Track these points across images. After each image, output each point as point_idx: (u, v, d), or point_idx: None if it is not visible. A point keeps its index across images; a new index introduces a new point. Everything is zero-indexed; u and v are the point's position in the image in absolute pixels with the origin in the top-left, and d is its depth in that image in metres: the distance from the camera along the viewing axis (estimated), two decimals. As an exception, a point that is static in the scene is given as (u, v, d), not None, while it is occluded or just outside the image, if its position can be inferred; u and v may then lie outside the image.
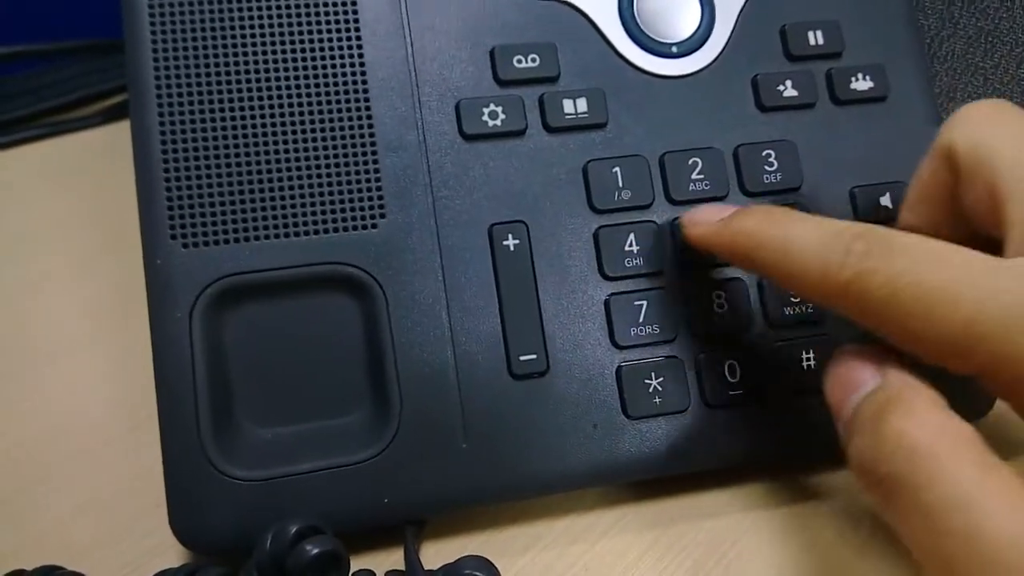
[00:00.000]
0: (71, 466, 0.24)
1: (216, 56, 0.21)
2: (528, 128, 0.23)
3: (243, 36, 0.22)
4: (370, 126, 0.22)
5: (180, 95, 0.21)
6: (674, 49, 0.24)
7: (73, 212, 0.31)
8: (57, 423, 0.25)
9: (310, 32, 0.22)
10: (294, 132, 0.22)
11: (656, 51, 0.24)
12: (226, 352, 0.21)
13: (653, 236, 0.23)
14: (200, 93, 0.21)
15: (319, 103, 0.22)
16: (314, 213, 0.21)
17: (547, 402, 0.22)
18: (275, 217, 0.21)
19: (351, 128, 0.22)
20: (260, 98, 0.21)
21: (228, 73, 0.21)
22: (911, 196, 0.21)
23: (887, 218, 0.24)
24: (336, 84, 0.22)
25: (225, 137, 0.21)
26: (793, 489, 0.23)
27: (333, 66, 0.22)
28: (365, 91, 0.22)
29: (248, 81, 0.21)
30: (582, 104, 0.23)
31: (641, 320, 0.22)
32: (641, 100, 0.24)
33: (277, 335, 0.21)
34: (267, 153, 0.21)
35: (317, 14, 0.22)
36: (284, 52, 0.22)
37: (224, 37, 0.21)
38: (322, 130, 0.22)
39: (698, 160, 0.24)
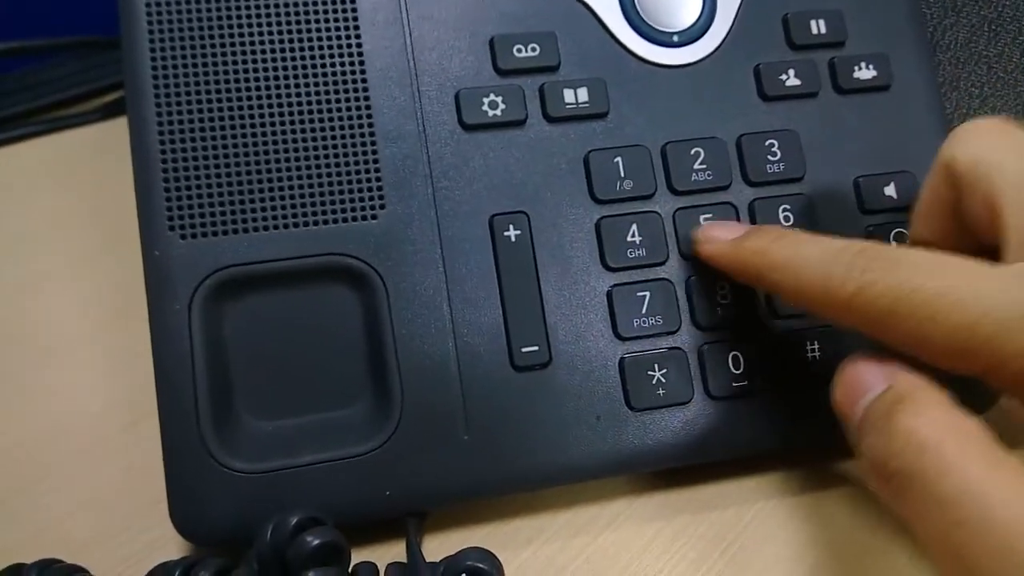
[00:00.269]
0: (71, 464, 0.24)
1: (213, 47, 0.21)
2: (528, 118, 0.23)
3: (240, 27, 0.21)
4: (369, 116, 0.22)
5: (177, 86, 0.21)
6: (675, 38, 0.24)
7: (71, 209, 0.31)
8: (57, 421, 0.25)
9: (308, 23, 0.22)
10: (292, 123, 0.21)
11: (657, 40, 0.24)
12: (225, 344, 0.21)
13: (655, 226, 0.23)
14: (197, 84, 0.21)
15: (317, 94, 0.22)
16: (313, 204, 0.21)
17: (549, 394, 0.22)
18: (274, 208, 0.21)
19: (350, 119, 0.22)
20: (258, 89, 0.21)
21: (225, 64, 0.21)
22: (918, 210, 0.21)
23: (891, 207, 0.24)
24: (335, 75, 0.22)
25: (223, 128, 0.21)
26: (797, 480, 0.23)
27: (331, 56, 0.22)
28: (364, 81, 0.22)
29: (246, 72, 0.21)
30: (583, 94, 0.23)
31: (644, 311, 0.22)
32: (642, 90, 0.24)
33: (277, 327, 0.21)
34: (266, 144, 0.21)
35: (315, 4, 0.22)
36: (282, 43, 0.22)
37: (222, 28, 0.21)
38: (321, 121, 0.22)
39: (700, 150, 0.23)
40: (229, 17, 0.21)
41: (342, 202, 0.21)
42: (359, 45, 0.22)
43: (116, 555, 0.21)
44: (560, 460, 0.21)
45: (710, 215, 0.23)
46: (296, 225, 0.21)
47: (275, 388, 0.21)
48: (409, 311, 0.21)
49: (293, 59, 0.22)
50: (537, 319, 0.22)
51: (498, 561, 0.19)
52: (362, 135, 0.22)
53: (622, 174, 0.23)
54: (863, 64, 0.25)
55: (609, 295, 0.22)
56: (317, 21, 0.22)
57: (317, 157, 0.21)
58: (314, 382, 0.21)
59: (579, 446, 0.21)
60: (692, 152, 0.23)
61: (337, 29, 0.22)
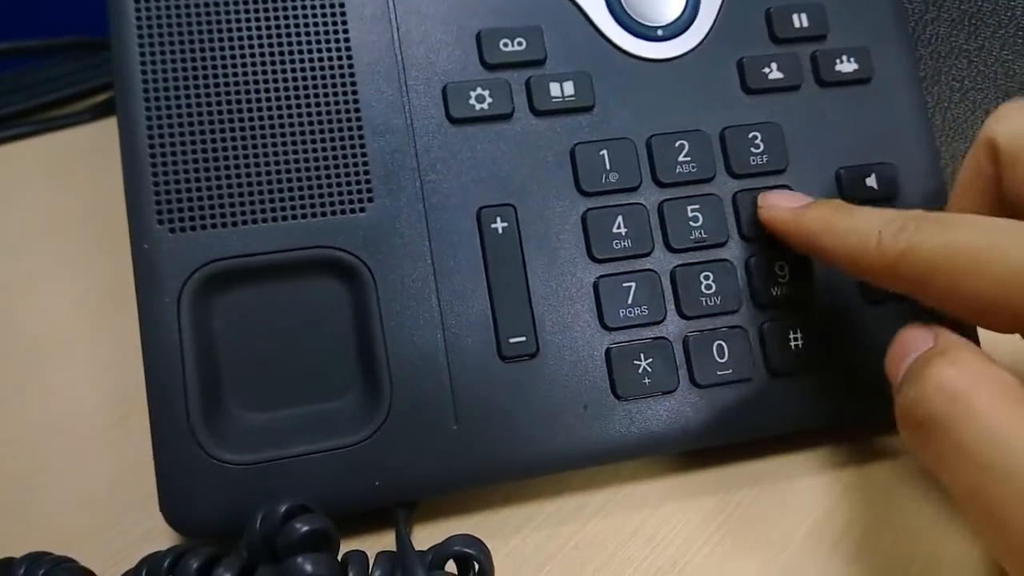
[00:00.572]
0: (63, 459, 0.24)
1: (202, 42, 0.21)
2: (515, 111, 0.23)
3: (229, 21, 0.22)
4: (357, 110, 0.22)
5: (166, 81, 0.21)
6: (660, 32, 0.24)
7: (64, 208, 0.31)
8: (49, 417, 0.25)
9: (296, 17, 0.22)
10: (281, 117, 0.22)
11: (642, 34, 0.24)
12: (214, 337, 0.21)
13: (641, 218, 0.23)
14: (186, 79, 0.21)
15: (305, 88, 0.22)
16: (302, 197, 0.21)
17: (537, 384, 0.22)
18: (262, 201, 0.21)
19: (338, 112, 0.22)
20: (246, 83, 0.21)
21: (214, 59, 0.21)
22: (957, 188, 0.22)
23: (872, 199, 0.24)
24: (322, 69, 0.22)
25: (211, 122, 0.21)
26: (784, 466, 0.24)
27: (319, 51, 0.22)
28: (352, 75, 0.22)
29: (234, 66, 0.21)
30: (569, 87, 0.23)
31: (630, 301, 0.23)
32: (627, 83, 0.24)
33: (266, 319, 0.21)
34: (254, 138, 0.21)
35: (303, -1, 0.22)
36: (270, 37, 0.22)
37: (210, 22, 0.21)
38: (309, 115, 0.22)
39: (684, 143, 0.24)
40: (218, 10, 0.22)
41: (330, 195, 0.22)
42: (347, 40, 0.22)
43: (109, 548, 0.22)
44: (548, 449, 0.22)
45: (696, 206, 0.23)
46: (285, 218, 0.21)
47: (264, 380, 0.21)
48: (398, 303, 0.22)
49: (281, 54, 0.22)
50: (524, 310, 0.22)
51: (485, 547, 0.19)
52: (350, 129, 0.22)
53: (608, 167, 0.23)
54: (845, 57, 0.25)
55: (595, 286, 0.23)
56: (305, 16, 0.22)
57: (305, 151, 0.22)
58: (303, 374, 0.21)
59: (566, 435, 0.22)
60: (676, 145, 0.24)
61: (325, 24, 0.22)
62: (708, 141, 0.24)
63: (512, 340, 0.22)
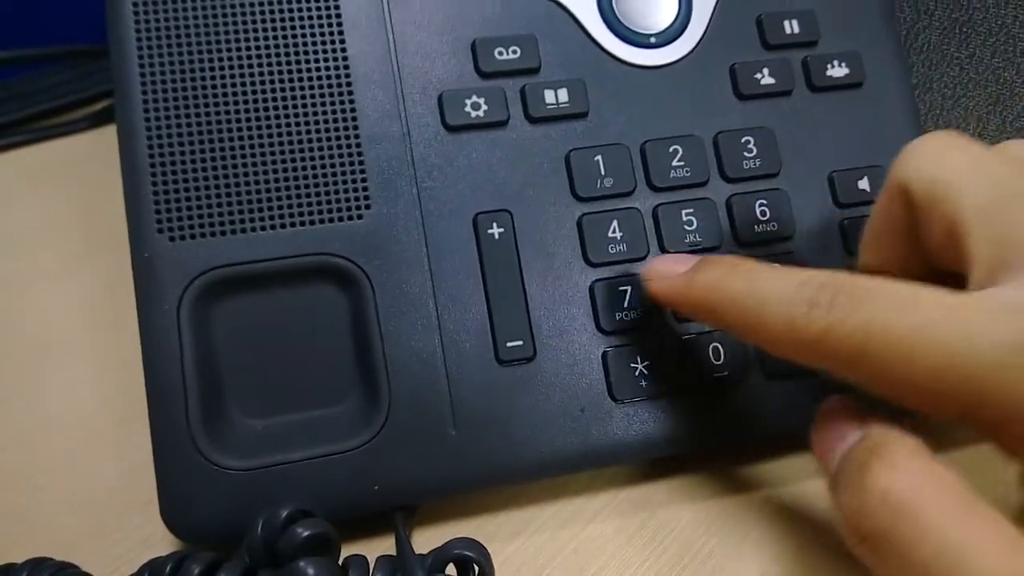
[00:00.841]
0: (63, 463, 0.24)
1: (200, 51, 0.22)
2: (510, 119, 0.23)
3: (227, 31, 0.22)
4: (354, 119, 0.22)
5: (165, 90, 0.21)
6: (653, 39, 0.25)
7: (63, 214, 0.32)
8: (49, 420, 0.25)
9: (293, 27, 0.22)
10: (279, 126, 0.22)
11: (635, 42, 0.24)
12: (214, 344, 0.21)
13: (636, 222, 0.23)
14: (184, 88, 0.21)
15: (303, 97, 0.22)
16: (300, 205, 0.22)
17: (534, 387, 0.22)
18: (261, 209, 0.21)
19: (335, 121, 0.22)
20: (244, 93, 0.22)
21: (212, 68, 0.22)
22: (868, 235, 0.20)
23: (865, 200, 0.24)
24: (319, 78, 0.22)
25: (210, 131, 0.21)
26: (782, 470, 0.24)
27: (316, 60, 0.22)
28: (348, 84, 0.22)
29: (232, 76, 0.22)
30: (563, 95, 0.24)
31: (626, 305, 0.23)
32: (621, 90, 0.24)
33: (265, 326, 0.21)
34: (253, 147, 0.22)
35: (300, 9, 0.22)
36: (268, 47, 0.22)
37: (208, 32, 0.22)
38: (306, 123, 0.22)
39: (678, 148, 0.24)
40: (216, 20, 0.22)
41: (328, 203, 0.22)
42: (343, 49, 0.23)
43: (109, 553, 0.22)
44: (546, 452, 0.22)
45: (690, 210, 0.24)
46: (283, 226, 0.21)
47: (264, 386, 0.21)
48: (396, 309, 0.22)
49: (279, 63, 0.22)
50: (521, 314, 0.22)
51: (485, 550, 0.19)
52: (347, 137, 0.22)
53: (603, 172, 0.23)
54: (836, 62, 0.25)
55: (591, 290, 0.23)
56: (302, 26, 0.22)
57: (303, 159, 0.22)
58: (302, 380, 0.21)
59: (564, 438, 0.22)
60: (670, 150, 0.24)
61: (322, 33, 0.22)
62: (701, 146, 0.24)
63: (509, 344, 0.22)
